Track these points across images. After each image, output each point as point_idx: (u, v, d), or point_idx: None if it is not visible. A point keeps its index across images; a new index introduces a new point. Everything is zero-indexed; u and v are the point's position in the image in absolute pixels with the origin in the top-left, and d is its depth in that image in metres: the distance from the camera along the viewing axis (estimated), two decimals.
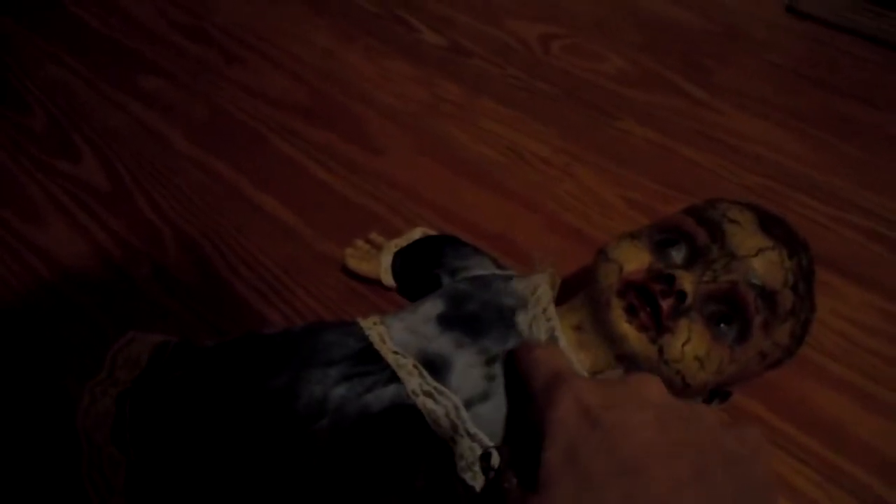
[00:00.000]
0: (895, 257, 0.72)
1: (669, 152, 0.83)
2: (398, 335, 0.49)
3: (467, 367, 0.47)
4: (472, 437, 0.44)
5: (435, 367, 0.47)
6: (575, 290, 0.52)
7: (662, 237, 0.50)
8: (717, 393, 0.52)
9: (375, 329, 0.50)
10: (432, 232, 0.66)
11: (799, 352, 0.55)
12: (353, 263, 0.64)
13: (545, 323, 0.49)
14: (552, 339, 0.48)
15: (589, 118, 0.87)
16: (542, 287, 0.52)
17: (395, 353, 0.48)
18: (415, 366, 0.47)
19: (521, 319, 0.49)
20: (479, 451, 0.44)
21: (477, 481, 0.44)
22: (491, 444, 0.44)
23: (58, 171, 0.76)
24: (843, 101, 0.91)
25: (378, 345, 0.48)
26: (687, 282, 0.45)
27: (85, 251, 0.68)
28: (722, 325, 0.47)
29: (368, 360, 0.48)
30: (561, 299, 0.52)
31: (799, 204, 0.77)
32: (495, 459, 0.44)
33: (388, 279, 0.62)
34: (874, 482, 0.54)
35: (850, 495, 0.54)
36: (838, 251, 0.72)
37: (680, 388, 0.47)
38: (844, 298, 0.67)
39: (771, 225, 0.49)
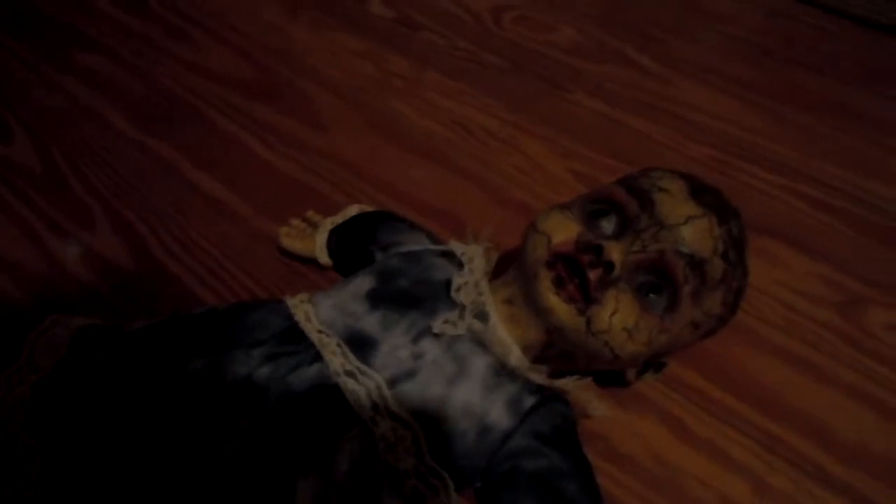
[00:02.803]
0: (841, 226, 0.71)
1: (619, 125, 0.82)
2: (325, 313, 0.48)
3: (394, 347, 0.46)
4: (394, 417, 0.43)
5: (360, 345, 0.46)
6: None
7: (593, 208, 0.49)
8: (651, 364, 0.52)
9: (302, 307, 0.49)
10: (370, 208, 0.64)
11: (739, 321, 0.55)
12: (288, 242, 0.63)
13: (476, 297, 0.48)
14: (482, 315, 0.47)
15: (538, 91, 0.85)
16: (476, 260, 0.51)
17: (320, 331, 0.47)
18: (339, 345, 0.46)
19: (453, 292, 0.48)
20: (400, 433, 0.43)
21: (399, 463, 0.43)
22: (414, 424, 0.43)
23: None
24: (797, 71, 0.91)
25: (303, 324, 0.47)
26: (615, 252, 0.45)
27: (14, 234, 0.65)
28: (651, 295, 0.46)
29: (293, 340, 0.47)
30: (500, 274, 0.52)
31: (748, 174, 0.76)
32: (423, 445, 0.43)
33: (323, 257, 0.61)
34: (815, 452, 0.54)
35: (791, 465, 0.53)
36: (784, 220, 0.71)
37: (609, 359, 0.46)
38: (788, 268, 0.67)
39: (701, 193, 0.48)
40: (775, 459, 0.53)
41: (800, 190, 0.75)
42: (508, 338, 0.47)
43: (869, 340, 0.62)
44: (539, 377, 0.47)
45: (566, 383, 0.48)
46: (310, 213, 0.66)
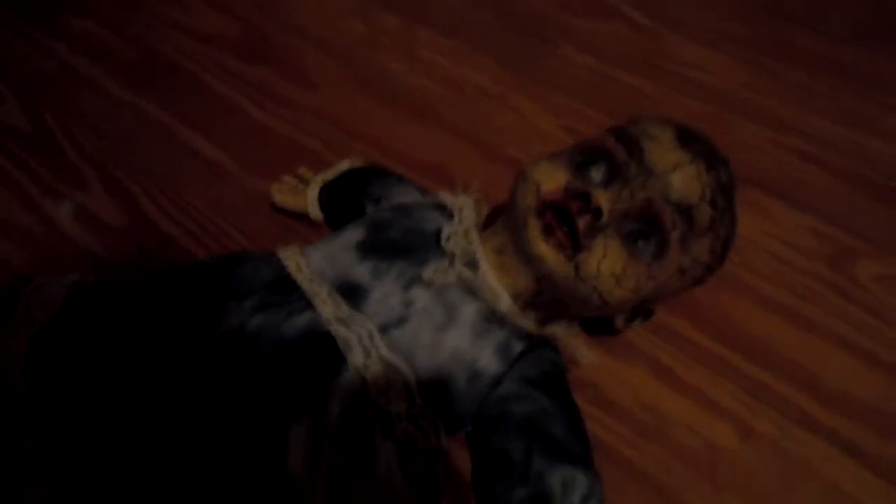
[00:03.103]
0: (830, 178, 0.72)
1: (612, 81, 0.82)
2: (316, 263, 0.49)
3: (384, 295, 0.47)
4: (385, 363, 0.44)
5: (351, 294, 0.47)
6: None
7: (582, 157, 0.49)
8: (639, 311, 0.52)
9: (293, 259, 0.49)
10: (360, 164, 0.64)
11: (728, 272, 0.55)
12: (280, 198, 0.63)
13: (466, 246, 0.49)
14: (472, 264, 0.48)
15: (531, 48, 0.85)
16: (465, 210, 0.51)
17: (311, 281, 0.47)
18: (329, 293, 0.46)
19: (443, 241, 0.49)
20: (392, 377, 0.44)
21: (391, 407, 0.43)
22: (405, 369, 0.44)
23: None
24: (789, 27, 0.90)
25: (294, 273, 0.48)
26: (603, 199, 0.45)
27: (6, 195, 0.66)
28: (639, 242, 0.47)
29: (285, 290, 0.47)
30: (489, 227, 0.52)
31: (740, 129, 0.77)
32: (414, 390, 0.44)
33: (315, 212, 0.61)
34: (798, 398, 0.55)
35: (777, 411, 0.54)
36: (775, 174, 0.72)
37: (598, 305, 0.47)
38: (778, 220, 0.67)
39: (689, 140, 0.48)
40: (761, 406, 0.54)
41: (791, 145, 0.75)
42: (498, 285, 0.48)
43: (857, 291, 0.62)
44: (528, 324, 0.48)
45: (555, 329, 0.48)
46: (301, 170, 0.66)
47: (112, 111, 0.75)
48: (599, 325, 0.55)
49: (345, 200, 0.59)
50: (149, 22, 0.86)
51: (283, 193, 0.63)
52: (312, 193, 0.61)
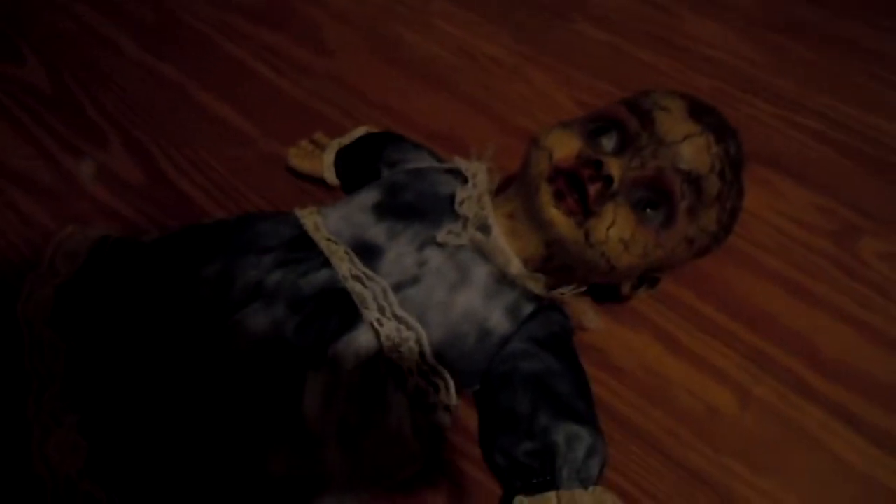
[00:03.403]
0: (837, 156, 0.73)
1: (624, 55, 0.83)
2: (333, 223, 0.50)
3: (399, 255, 0.48)
4: (398, 319, 0.46)
5: (367, 253, 0.48)
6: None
7: (595, 126, 0.50)
8: (645, 279, 0.54)
9: (311, 217, 0.50)
10: (376, 129, 0.66)
11: (734, 245, 0.57)
12: (297, 161, 0.64)
13: (479, 210, 0.50)
14: (484, 228, 0.49)
15: (545, 21, 0.86)
16: (479, 175, 0.52)
17: (329, 240, 0.49)
18: (346, 252, 0.48)
19: (456, 205, 0.50)
20: (405, 333, 0.45)
21: (403, 361, 0.45)
22: (417, 326, 0.46)
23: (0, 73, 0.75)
24: (799, 6, 0.91)
25: (312, 232, 0.49)
26: (614, 167, 0.46)
27: (29, 151, 0.67)
28: (648, 210, 0.48)
29: (302, 247, 0.49)
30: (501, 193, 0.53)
31: (748, 105, 0.77)
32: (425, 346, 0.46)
33: (331, 177, 0.63)
34: (798, 367, 0.57)
35: (776, 379, 0.56)
36: (782, 151, 0.73)
37: (606, 271, 0.48)
38: (784, 196, 0.69)
39: (700, 112, 0.49)
40: (762, 374, 0.56)
41: (798, 122, 0.76)
42: (509, 249, 0.49)
43: (860, 267, 0.64)
44: (537, 287, 0.49)
45: (563, 292, 0.50)
46: (317, 135, 0.67)
47: (131, 72, 0.76)
48: (606, 292, 0.56)
49: (361, 165, 0.60)
50: None
51: (300, 157, 0.64)
52: (329, 157, 0.63)
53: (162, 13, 0.83)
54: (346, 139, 0.64)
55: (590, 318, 0.52)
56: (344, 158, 0.62)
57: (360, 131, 0.64)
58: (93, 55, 0.77)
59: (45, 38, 0.79)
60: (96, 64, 0.76)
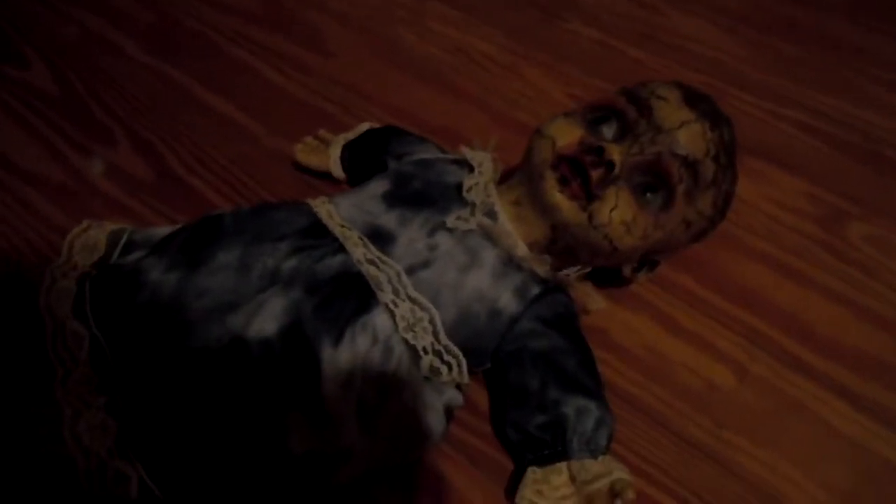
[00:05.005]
0: (824, 147, 0.76)
1: (615, 53, 0.85)
2: (345, 211, 0.52)
3: (410, 240, 0.50)
4: (412, 300, 0.47)
5: (380, 239, 0.50)
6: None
7: (595, 115, 0.52)
8: (645, 262, 0.56)
9: (324, 207, 0.52)
10: (379, 125, 0.67)
11: (727, 231, 0.59)
12: (303, 157, 0.66)
13: (486, 198, 0.52)
14: (491, 214, 0.51)
15: (537, 19, 0.88)
16: (485, 164, 0.54)
17: (342, 226, 0.50)
18: (360, 237, 0.49)
19: (464, 192, 0.52)
20: (419, 314, 0.47)
21: (418, 341, 0.47)
22: (430, 306, 0.48)
23: (6, 77, 0.76)
24: (785, 4, 0.94)
25: (326, 220, 0.51)
26: (615, 153, 0.48)
27: (38, 152, 0.68)
28: (648, 193, 0.50)
29: (317, 235, 0.50)
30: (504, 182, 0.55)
31: (737, 99, 0.80)
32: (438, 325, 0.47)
33: (337, 171, 0.64)
34: (794, 345, 0.59)
35: (771, 356, 0.58)
36: (770, 141, 0.75)
37: (609, 253, 0.50)
38: (774, 184, 0.71)
39: (696, 100, 0.51)
40: (758, 351, 0.58)
41: (785, 114, 0.79)
42: (515, 233, 0.51)
43: (848, 250, 0.67)
44: (543, 269, 0.51)
45: (568, 273, 0.52)
46: (321, 132, 0.69)
47: (134, 74, 0.77)
48: (608, 276, 0.58)
49: (367, 158, 0.62)
50: None
51: (306, 153, 0.66)
52: (335, 152, 0.64)
53: (163, 16, 0.85)
54: (352, 134, 0.66)
55: (594, 300, 0.54)
56: (350, 153, 0.64)
57: (364, 127, 0.66)
58: (96, 58, 0.79)
59: (49, 43, 0.80)
60: (100, 66, 0.78)
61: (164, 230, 0.56)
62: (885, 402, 0.56)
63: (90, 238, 0.54)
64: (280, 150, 0.69)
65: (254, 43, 0.82)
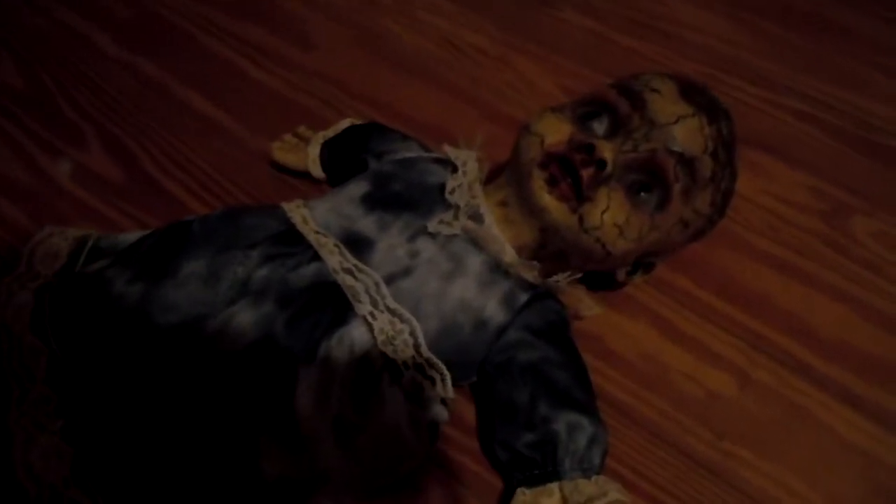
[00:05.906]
0: (825, 137, 0.73)
1: (609, 42, 0.82)
2: (321, 216, 0.49)
3: (390, 246, 0.47)
4: (392, 312, 0.45)
5: (357, 246, 0.47)
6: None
7: (585, 110, 0.49)
8: (640, 265, 0.53)
9: (298, 211, 0.49)
10: (360, 122, 0.64)
11: (726, 228, 0.56)
12: (280, 155, 0.63)
13: (470, 199, 0.49)
14: (476, 217, 0.48)
15: (529, 9, 0.85)
16: (469, 163, 0.51)
17: (317, 233, 0.47)
18: (336, 245, 0.47)
19: (447, 194, 0.49)
20: (398, 326, 0.44)
21: (398, 355, 0.44)
22: (411, 318, 0.45)
23: None
24: None
25: (300, 226, 0.48)
26: (607, 150, 0.45)
27: (5, 153, 0.65)
28: (642, 193, 0.47)
29: (290, 241, 0.47)
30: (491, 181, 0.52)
31: (735, 89, 0.77)
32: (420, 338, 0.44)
33: (316, 170, 0.61)
34: (797, 349, 0.56)
35: (774, 361, 0.56)
36: (770, 133, 0.72)
37: (601, 257, 0.48)
38: (774, 178, 0.68)
39: (692, 93, 0.48)
40: (760, 356, 0.56)
41: (785, 104, 0.76)
42: (502, 237, 0.48)
43: (854, 246, 0.64)
44: (531, 275, 0.48)
45: (558, 280, 0.49)
46: (301, 129, 0.66)
47: (108, 69, 0.74)
48: (601, 280, 0.55)
49: (346, 157, 0.59)
50: None
51: (284, 151, 0.63)
52: (313, 151, 0.61)
53: (138, 9, 0.81)
54: (331, 132, 0.63)
55: (586, 305, 0.52)
56: (329, 151, 0.61)
57: (345, 123, 0.63)
58: (68, 52, 0.75)
59: (18, 36, 0.77)
60: (71, 61, 0.74)
61: (131, 236, 0.53)
62: (893, 408, 0.53)
63: (52, 245, 0.51)
64: (258, 148, 0.66)
65: (232, 35, 0.78)
